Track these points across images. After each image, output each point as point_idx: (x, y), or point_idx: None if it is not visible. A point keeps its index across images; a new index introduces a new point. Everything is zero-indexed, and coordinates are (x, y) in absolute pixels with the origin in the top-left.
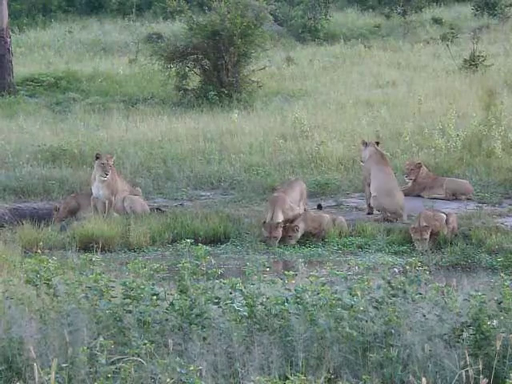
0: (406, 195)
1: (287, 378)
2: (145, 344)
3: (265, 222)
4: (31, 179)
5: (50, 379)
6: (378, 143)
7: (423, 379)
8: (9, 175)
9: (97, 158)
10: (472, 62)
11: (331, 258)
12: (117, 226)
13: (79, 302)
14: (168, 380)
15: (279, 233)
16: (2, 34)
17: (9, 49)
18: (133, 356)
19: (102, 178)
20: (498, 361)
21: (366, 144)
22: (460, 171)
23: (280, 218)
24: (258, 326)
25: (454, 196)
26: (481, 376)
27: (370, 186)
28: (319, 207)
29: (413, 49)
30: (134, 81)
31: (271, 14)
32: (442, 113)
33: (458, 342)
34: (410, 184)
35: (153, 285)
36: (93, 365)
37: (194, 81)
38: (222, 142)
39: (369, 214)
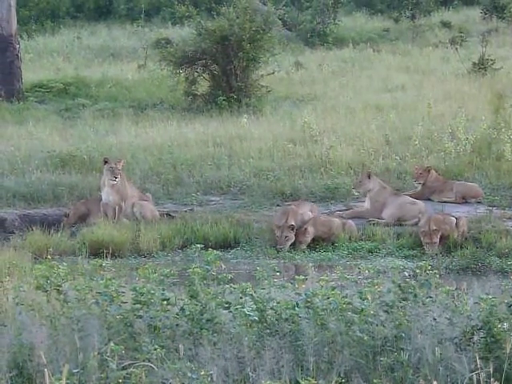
0: (415, 199)
1: (298, 383)
2: (155, 349)
3: (278, 226)
4: (41, 185)
5: None
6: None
7: (434, 383)
8: (18, 181)
9: (105, 162)
10: (481, 66)
11: (341, 262)
12: (127, 232)
13: (89, 307)
14: None
15: (292, 234)
16: (10, 40)
17: (18, 55)
18: (143, 361)
19: (112, 182)
20: (509, 364)
21: (369, 176)
22: (469, 175)
23: (293, 222)
24: (268, 331)
25: (464, 199)
26: (492, 379)
27: (381, 214)
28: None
29: (422, 52)
30: (142, 86)
31: (280, 19)
32: (451, 116)
33: (469, 345)
34: (419, 188)
35: (163, 290)
36: (104, 370)
37: (203, 86)
38: (231, 146)
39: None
